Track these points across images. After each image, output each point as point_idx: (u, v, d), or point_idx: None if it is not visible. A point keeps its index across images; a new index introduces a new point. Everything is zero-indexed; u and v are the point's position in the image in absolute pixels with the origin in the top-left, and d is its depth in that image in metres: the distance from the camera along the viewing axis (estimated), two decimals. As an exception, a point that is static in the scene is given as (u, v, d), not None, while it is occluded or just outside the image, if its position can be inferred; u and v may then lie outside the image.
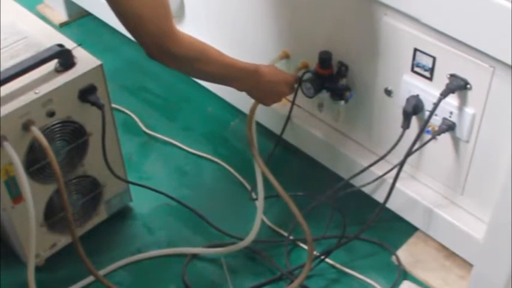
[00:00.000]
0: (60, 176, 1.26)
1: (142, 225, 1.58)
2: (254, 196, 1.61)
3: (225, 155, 1.75)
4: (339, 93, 1.45)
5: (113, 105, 1.42)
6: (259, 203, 1.48)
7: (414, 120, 1.35)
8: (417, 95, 1.32)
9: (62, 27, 2.23)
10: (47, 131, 1.28)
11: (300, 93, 1.50)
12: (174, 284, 1.45)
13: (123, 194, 1.55)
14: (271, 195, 1.50)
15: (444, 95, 1.24)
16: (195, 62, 1.27)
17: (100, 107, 1.32)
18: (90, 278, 1.43)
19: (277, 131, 1.65)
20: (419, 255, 1.48)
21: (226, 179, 1.69)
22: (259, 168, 1.47)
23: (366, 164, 1.46)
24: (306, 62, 1.51)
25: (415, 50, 1.28)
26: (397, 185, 1.38)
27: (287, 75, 1.47)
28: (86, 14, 2.24)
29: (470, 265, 1.38)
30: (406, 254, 1.48)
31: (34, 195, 1.25)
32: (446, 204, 1.41)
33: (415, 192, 1.44)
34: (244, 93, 1.68)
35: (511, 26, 1.06)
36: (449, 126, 1.29)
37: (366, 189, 1.50)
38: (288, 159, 1.72)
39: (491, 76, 1.17)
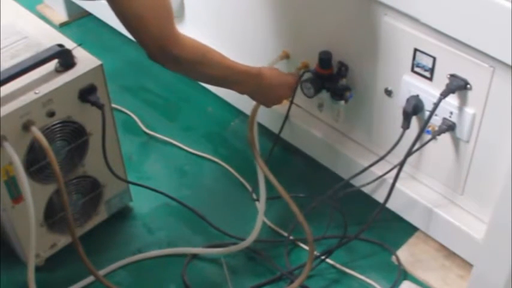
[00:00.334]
0: (60, 176, 1.26)
1: (142, 225, 1.58)
2: (255, 197, 1.61)
3: (225, 155, 1.75)
4: (339, 93, 1.45)
5: (113, 105, 1.42)
6: (261, 204, 1.48)
7: (414, 120, 1.35)
8: (417, 95, 1.32)
9: (62, 27, 2.23)
10: (47, 131, 1.28)
11: (300, 93, 1.50)
12: (174, 284, 1.45)
13: (123, 194, 1.55)
14: (272, 196, 1.50)
15: (444, 95, 1.24)
16: (197, 65, 1.27)
17: (100, 107, 1.32)
18: (90, 278, 1.43)
19: (277, 131, 1.65)
20: (419, 255, 1.48)
21: (226, 179, 1.69)
22: (261, 170, 1.47)
23: (366, 164, 1.46)
24: (306, 62, 1.51)
25: (415, 50, 1.28)
26: (397, 185, 1.38)
27: (289, 78, 1.47)
28: (86, 14, 2.24)
29: (470, 265, 1.38)
30: (406, 254, 1.48)
31: (34, 195, 1.25)
32: (446, 204, 1.41)
33: (415, 192, 1.44)
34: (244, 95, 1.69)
35: (511, 26, 1.07)
36: (449, 126, 1.29)
37: (366, 189, 1.50)
38: (288, 159, 1.72)
39: (491, 76, 1.17)
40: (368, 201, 1.51)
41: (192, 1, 1.79)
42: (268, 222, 1.56)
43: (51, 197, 1.38)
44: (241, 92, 1.40)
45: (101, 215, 1.53)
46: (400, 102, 1.36)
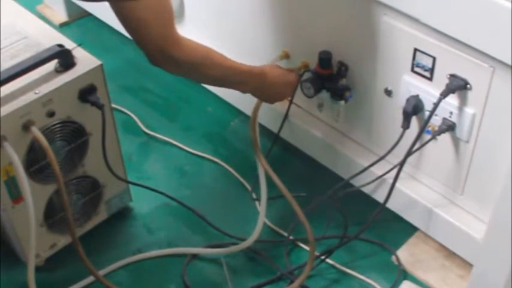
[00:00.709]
0: (60, 176, 1.26)
1: (142, 225, 1.58)
2: (254, 196, 1.61)
3: (225, 155, 1.75)
4: (339, 93, 1.45)
5: (113, 105, 1.42)
6: (262, 204, 1.48)
7: (414, 120, 1.35)
8: (417, 95, 1.32)
9: (62, 27, 2.23)
10: (47, 131, 1.28)
11: (300, 93, 1.50)
12: (174, 284, 1.45)
13: (123, 194, 1.55)
14: (273, 196, 1.50)
15: (444, 95, 1.24)
16: (198, 67, 1.27)
17: (100, 107, 1.32)
18: (90, 278, 1.43)
19: (281, 133, 1.65)
20: (419, 255, 1.48)
21: (226, 179, 1.69)
22: (262, 168, 1.47)
23: (366, 164, 1.46)
24: (306, 62, 1.51)
25: (415, 50, 1.28)
26: (397, 185, 1.38)
27: (291, 77, 1.47)
28: (86, 14, 2.24)
29: (470, 265, 1.38)
30: (406, 254, 1.48)
31: (34, 195, 1.25)
32: (446, 204, 1.41)
33: (415, 192, 1.44)
34: (244, 94, 1.69)
35: (511, 26, 1.06)
36: (449, 126, 1.29)
37: (366, 189, 1.50)
38: (288, 159, 1.72)
39: (491, 76, 1.17)
40: (368, 201, 1.51)
41: (192, 1, 1.79)
42: (268, 223, 1.56)
43: (51, 197, 1.38)
44: (244, 91, 1.41)
45: (101, 215, 1.53)
46: (400, 102, 1.36)
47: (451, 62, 1.23)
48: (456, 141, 1.32)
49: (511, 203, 1.16)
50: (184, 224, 1.58)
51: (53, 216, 1.41)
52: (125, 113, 1.87)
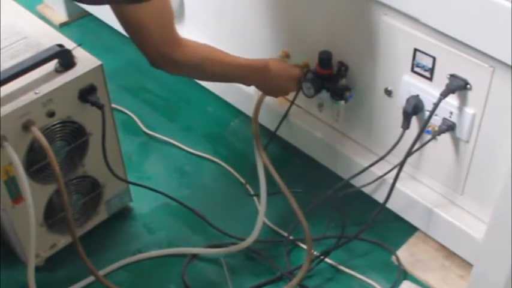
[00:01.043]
0: (60, 176, 1.26)
1: (142, 225, 1.58)
2: (251, 191, 1.61)
3: (225, 155, 1.75)
4: (339, 93, 1.45)
5: (113, 105, 1.42)
6: (262, 204, 1.47)
7: (414, 120, 1.35)
8: (417, 95, 1.32)
9: (62, 27, 2.23)
10: (47, 131, 1.28)
11: (300, 93, 1.50)
12: (174, 284, 1.45)
13: (123, 194, 1.55)
14: (270, 192, 1.50)
15: (444, 95, 1.24)
16: (199, 67, 1.28)
17: (100, 107, 1.32)
18: (90, 278, 1.43)
19: (279, 132, 1.65)
20: (419, 255, 1.48)
21: (226, 179, 1.69)
22: (262, 166, 1.47)
23: (366, 164, 1.46)
24: (306, 62, 1.51)
25: (415, 50, 1.28)
26: (397, 185, 1.38)
27: (295, 70, 1.47)
28: (86, 14, 2.24)
29: (470, 265, 1.38)
30: (406, 254, 1.48)
31: (34, 195, 1.25)
32: (446, 204, 1.41)
33: (415, 192, 1.44)
34: (244, 94, 1.69)
35: (511, 26, 1.06)
36: (449, 127, 1.29)
37: (366, 189, 1.50)
38: (288, 159, 1.72)
39: (491, 76, 1.17)
40: (368, 201, 1.51)
41: (191, 1, 1.79)
42: (268, 222, 1.56)
43: (51, 197, 1.38)
44: (248, 85, 1.42)
45: (101, 215, 1.53)
46: (400, 102, 1.36)
47: (451, 62, 1.23)
48: (456, 141, 1.32)
49: (511, 203, 1.16)
50: (184, 224, 1.58)
51: (53, 216, 1.41)
52: (125, 113, 1.87)
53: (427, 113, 1.30)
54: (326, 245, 1.48)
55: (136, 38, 1.19)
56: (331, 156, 1.58)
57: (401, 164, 1.35)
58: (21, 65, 1.27)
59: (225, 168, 1.71)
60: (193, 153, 1.76)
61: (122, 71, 2.04)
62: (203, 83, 1.87)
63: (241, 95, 1.73)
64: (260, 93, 1.50)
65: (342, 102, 1.47)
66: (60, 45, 1.31)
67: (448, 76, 1.24)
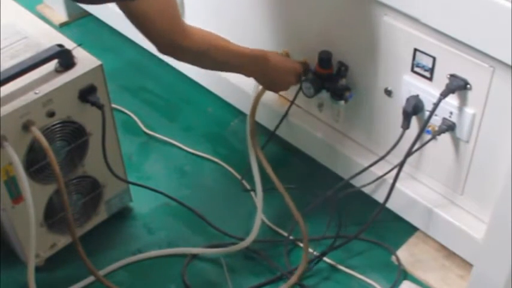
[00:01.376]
0: (60, 176, 1.26)
1: (142, 225, 1.58)
2: (248, 187, 1.61)
3: (225, 155, 1.75)
4: (339, 93, 1.45)
5: (113, 105, 1.42)
6: (258, 202, 1.47)
7: (414, 120, 1.35)
8: (417, 95, 1.32)
9: (62, 27, 2.23)
10: (47, 131, 1.28)
11: (300, 93, 1.50)
12: (174, 284, 1.45)
13: (123, 194, 1.55)
14: (266, 188, 1.50)
15: (444, 95, 1.24)
16: (204, 54, 1.30)
17: (100, 107, 1.32)
18: (90, 278, 1.43)
19: (279, 132, 1.65)
20: (419, 255, 1.48)
21: (226, 179, 1.69)
22: (255, 161, 1.47)
23: (366, 164, 1.46)
24: (306, 62, 1.51)
25: (415, 50, 1.28)
26: (397, 185, 1.38)
27: (295, 65, 1.48)
28: (86, 14, 2.24)
29: (470, 265, 1.38)
30: (406, 254, 1.48)
31: (34, 195, 1.25)
32: (446, 204, 1.41)
33: (415, 192, 1.44)
34: (244, 94, 1.69)
35: (511, 26, 1.07)
36: (449, 126, 1.29)
37: (366, 189, 1.50)
38: (287, 159, 1.72)
39: (491, 76, 1.17)
40: (368, 201, 1.51)
41: (191, 1, 1.79)
42: (268, 222, 1.56)
43: (51, 197, 1.38)
44: (248, 75, 1.43)
45: (101, 215, 1.53)
46: (400, 102, 1.36)
47: (451, 62, 1.23)
48: (456, 141, 1.32)
49: (511, 203, 1.16)
50: (184, 224, 1.58)
51: (53, 216, 1.41)
52: (125, 113, 1.87)
53: (427, 113, 1.30)
54: (326, 245, 1.48)
55: (143, 29, 1.22)
56: (331, 156, 1.58)
57: (401, 164, 1.35)
58: (21, 65, 1.27)
59: (225, 168, 1.71)
60: (193, 153, 1.76)
61: (122, 71, 2.04)
62: (203, 83, 1.87)
63: (241, 95, 1.73)
64: (258, 90, 1.50)
65: (342, 102, 1.47)
66: (60, 45, 1.31)
67: (448, 76, 1.24)
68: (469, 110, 1.25)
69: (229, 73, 1.66)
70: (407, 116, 1.33)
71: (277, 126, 1.61)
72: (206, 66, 1.41)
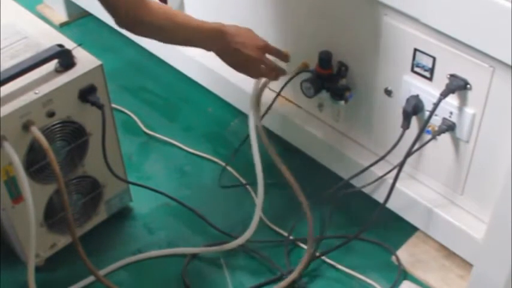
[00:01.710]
0: (60, 176, 1.26)
1: (142, 225, 1.58)
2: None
3: (225, 155, 1.75)
4: (339, 93, 1.45)
5: (113, 105, 1.42)
6: (259, 198, 1.46)
7: (414, 120, 1.35)
8: (417, 95, 1.32)
9: (62, 27, 2.23)
10: (47, 131, 1.28)
11: (300, 93, 1.50)
12: (174, 284, 1.45)
13: (123, 194, 1.55)
14: (270, 182, 1.50)
15: (444, 95, 1.24)
16: (165, 29, 1.29)
17: (100, 107, 1.32)
18: (90, 278, 1.43)
19: (277, 131, 1.65)
20: (419, 255, 1.48)
21: (226, 179, 1.69)
22: (258, 154, 1.46)
23: (366, 164, 1.45)
24: (306, 62, 1.51)
25: (415, 50, 1.28)
26: (397, 185, 1.38)
27: (258, 40, 1.40)
28: (86, 14, 2.24)
29: (470, 265, 1.38)
30: (406, 254, 1.48)
31: (34, 195, 1.25)
32: (446, 204, 1.41)
33: (415, 192, 1.44)
34: (244, 94, 1.69)
35: (511, 26, 1.07)
36: (449, 126, 1.29)
37: (366, 189, 1.50)
38: (287, 159, 1.71)
39: (491, 76, 1.17)
40: (368, 201, 1.51)
41: (191, 1, 1.79)
42: (268, 222, 1.56)
43: (51, 197, 1.38)
44: (208, 50, 1.39)
45: (101, 215, 1.53)
46: (400, 102, 1.36)
47: (451, 62, 1.23)
48: (456, 141, 1.32)
49: (511, 203, 1.16)
50: (184, 224, 1.58)
51: (53, 216, 1.41)
52: (125, 113, 1.87)
53: (427, 113, 1.30)
54: (326, 245, 1.48)
55: (104, 1, 1.21)
56: (331, 156, 1.58)
57: (401, 164, 1.35)
58: (21, 65, 1.27)
59: (225, 168, 1.71)
60: (193, 153, 1.76)
61: (122, 71, 2.04)
62: (203, 83, 1.86)
63: (241, 95, 1.73)
64: (263, 79, 1.47)
65: (342, 102, 1.47)
66: (60, 45, 1.31)
67: (448, 76, 1.24)
68: (469, 110, 1.25)
69: (229, 72, 1.65)
70: (407, 116, 1.33)
71: (262, 116, 1.57)
72: (164, 41, 1.40)
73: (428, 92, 1.30)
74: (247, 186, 1.65)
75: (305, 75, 1.49)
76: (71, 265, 1.45)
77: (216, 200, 1.64)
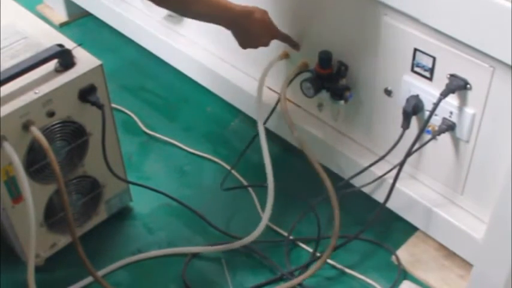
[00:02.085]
0: (60, 176, 1.26)
1: (142, 225, 1.58)
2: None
3: (225, 155, 1.75)
4: (339, 93, 1.45)
5: (113, 105, 1.42)
6: (269, 202, 1.46)
7: (414, 120, 1.36)
8: (417, 95, 1.32)
9: (62, 27, 2.23)
10: (47, 131, 1.28)
11: (299, 92, 1.50)
12: (174, 284, 1.45)
13: (123, 194, 1.55)
14: (262, 184, 1.50)
15: (444, 95, 1.24)
16: (192, 2, 1.30)
17: (100, 107, 1.32)
18: (90, 278, 1.43)
19: (281, 133, 1.65)
20: (419, 255, 1.48)
21: (227, 179, 1.69)
22: (267, 151, 1.46)
23: (366, 164, 1.46)
24: (305, 62, 1.51)
25: (415, 50, 1.28)
26: (397, 185, 1.38)
27: (276, 33, 1.48)
28: (86, 14, 2.24)
29: (470, 265, 1.38)
30: (406, 254, 1.48)
31: (34, 195, 1.25)
32: (446, 204, 1.41)
33: (415, 192, 1.44)
34: (244, 94, 1.69)
35: (511, 26, 1.07)
36: (449, 126, 1.29)
37: (366, 189, 1.50)
38: (287, 159, 1.72)
39: (491, 76, 1.17)
40: (368, 201, 1.51)
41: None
42: (268, 222, 1.56)
43: (51, 197, 1.38)
44: (228, 29, 1.42)
45: (101, 215, 1.53)
46: (400, 102, 1.36)
47: (451, 62, 1.23)
48: (456, 141, 1.32)
49: (511, 203, 1.16)
50: (185, 224, 1.58)
51: (53, 216, 1.41)
52: (125, 113, 1.87)
53: (427, 113, 1.30)
54: (326, 245, 1.48)
55: None
56: (331, 156, 1.58)
57: (401, 164, 1.35)
58: (21, 65, 1.27)
59: (225, 168, 1.71)
60: (193, 153, 1.76)
61: (122, 71, 2.04)
62: (203, 82, 1.86)
63: (241, 95, 1.73)
64: (271, 60, 1.50)
65: (342, 102, 1.47)
66: (60, 45, 1.31)
67: (448, 76, 1.24)
68: (469, 110, 1.25)
69: (229, 72, 1.66)
70: (407, 116, 1.33)
71: (267, 119, 1.59)
72: (186, 15, 1.40)
73: (428, 92, 1.30)
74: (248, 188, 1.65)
75: (305, 75, 1.49)
76: (71, 265, 1.45)
77: (216, 200, 1.64)
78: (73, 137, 1.34)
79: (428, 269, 1.45)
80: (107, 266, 1.46)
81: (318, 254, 1.46)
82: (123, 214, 1.59)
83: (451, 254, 1.45)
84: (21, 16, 1.47)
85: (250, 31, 1.43)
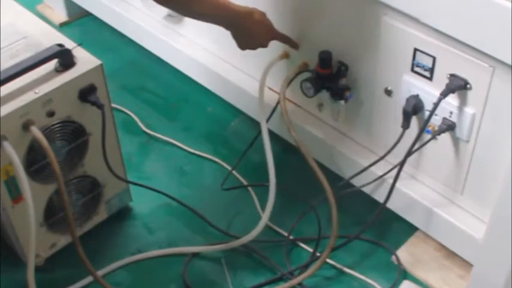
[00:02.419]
0: (60, 176, 1.26)
1: (142, 225, 1.58)
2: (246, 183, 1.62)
3: (225, 155, 1.75)
4: (339, 93, 1.45)
5: (113, 105, 1.42)
6: (269, 201, 1.46)
7: (414, 120, 1.35)
8: (417, 95, 1.32)
9: (62, 27, 2.23)
10: (47, 131, 1.28)
11: (299, 92, 1.50)
12: (174, 284, 1.45)
13: (123, 194, 1.55)
14: (262, 183, 1.50)
15: (444, 94, 1.24)
16: (193, 2, 1.30)
17: (100, 107, 1.32)
18: (90, 278, 1.43)
19: (281, 132, 1.65)
20: (419, 255, 1.48)
21: (227, 179, 1.69)
22: (269, 148, 1.46)
23: (366, 164, 1.46)
24: (305, 62, 1.51)
25: (415, 50, 1.28)
26: (397, 185, 1.38)
27: (275, 34, 1.48)
28: (86, 14, 2.24)
29: (470, 265, 1.38)
30: (406, 254, 1.48)
31: (34, 195, 1.25)
32: (446, 204, 1.41)
33: (415, 192, 1.44)
34: (244, 94, 1.69)
35: (511, 26, 1.06)
36: (449, 126, 1.29)
37: (366, 189, 1.50)
38: (287, 159, 1.72)
39: (491, 76, 1.17)
40: (368, 201, 1.51)
41: None
42: (268, 222, 1.56)
43: (51, 197, 1.38)
44: (227, 29, 1.42)
45: (101, 215, 1.53)
46: (400, 102, 1.36)
47: (451, 62, 1.23)
48: (456, 141, 1.32)
49: (511, 203, 1.16)
50: (185, 224, 1.58)
51: (53, 216, 1.41)
52: (125, 113, 1.87)
53: (427, 113, 1.30)
54: (326, 245, 1.48)
55: None
56: (331, 156, 1.58)
57: (401, 164, 1.35)
58: (21, 64, 1.27)
59: (225, 168, 1.71)
60: (193, 153, 1.76)
61: (122, 71, 2.04)
62: (203, 82, 1.86)
63: (241, 95, 1.73)
64: (271, 60, 1.50)
65: (342, 102, 1.47)
66: (60, 45, 1.31)
67: (448, 76, 1.24)
68: (469, 110, 1.25)
69: (229, 72, 1.66)
70: (407, 116, 1.33)
71: (268, 119, 1.58)
72: (188, 15, 1.40)
73: (428, 91, 1.30)
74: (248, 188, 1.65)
75: (305, 75, 1.49)
76: (71, 265, 1.45)
77: (216, 199, 1.64)
78: (73, 137, 1.34)
79: (428, 269, 1.45)
80: (107, 266, 1.46)
81: (318, 254, 1.46)
82: (123, 214, 1.59)
83: (451, 254, 1.45)
84: (21, 16, 1.47)
85: (249, 32, 1.43)
